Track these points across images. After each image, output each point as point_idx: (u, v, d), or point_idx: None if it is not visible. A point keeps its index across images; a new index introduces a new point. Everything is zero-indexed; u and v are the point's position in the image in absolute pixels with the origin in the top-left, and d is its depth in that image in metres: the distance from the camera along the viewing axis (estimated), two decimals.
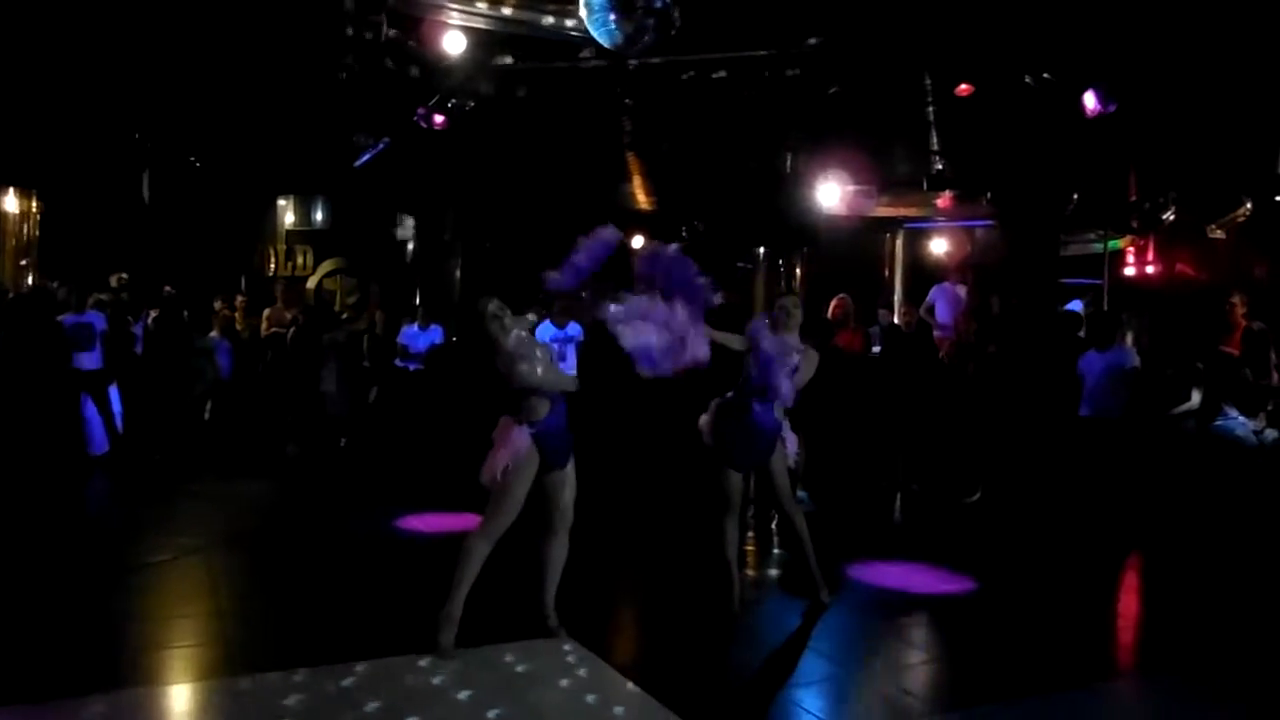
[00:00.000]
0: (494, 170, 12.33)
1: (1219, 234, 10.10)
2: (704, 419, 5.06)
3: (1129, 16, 8.37)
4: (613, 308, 4.30)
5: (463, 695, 3.86)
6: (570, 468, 4.44)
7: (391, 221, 14.52)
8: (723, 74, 9.68)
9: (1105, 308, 9.55)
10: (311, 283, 14.56)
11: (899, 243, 12.83)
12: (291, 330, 10.40)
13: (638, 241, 14.18)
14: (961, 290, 10.20)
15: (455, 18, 8.64)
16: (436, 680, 3.99)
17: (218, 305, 11.10)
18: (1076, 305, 10.37)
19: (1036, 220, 10.30)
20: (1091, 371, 7.32)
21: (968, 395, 8.32)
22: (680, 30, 7.21)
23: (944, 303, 10.18)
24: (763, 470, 5.09)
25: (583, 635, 4.48)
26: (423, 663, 4.14)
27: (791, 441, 5.06)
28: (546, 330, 9.01)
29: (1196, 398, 7.11)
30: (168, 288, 10.97)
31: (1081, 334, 8.53)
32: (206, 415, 10.20)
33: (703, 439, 5.06)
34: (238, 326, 11.16)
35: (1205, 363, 7.31)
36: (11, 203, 12.55)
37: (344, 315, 12.35)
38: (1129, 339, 7.73)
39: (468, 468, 4.56)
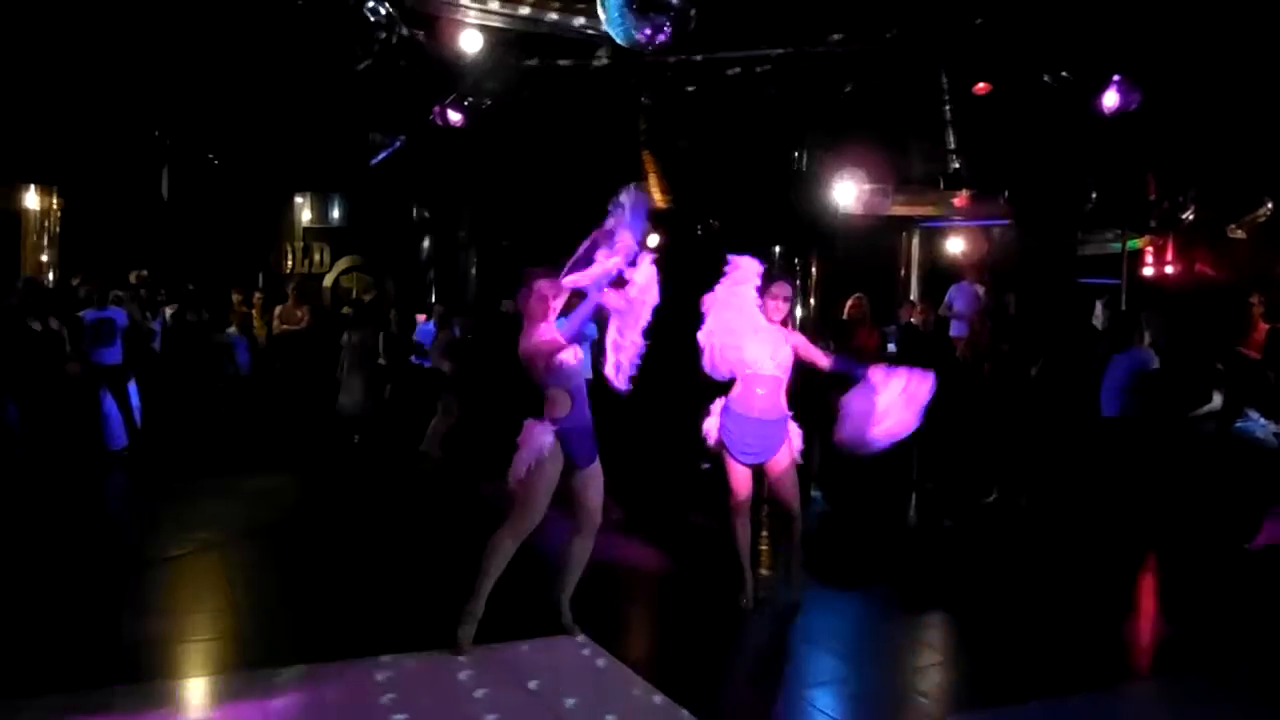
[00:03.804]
0: (510, 168, 12.36)
1: (1239, 234, 10.03)
2: (709, 421, 5.03)
3: (1148, 15, 8.30)
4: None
5: (478, 692, 3.87)
6: (596, 468, 4.42)
7: (408, 219, 14.56)
8: (738, 70, 9.66)
9: (1124, 308, 9.49)
10: (328, 280, 14.64)
11: (915, 242, 12.78)
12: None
13: (653, 240, 14.23)
14: (980, 289, 10.15)
15: (472, 16, 8.65)
16: (450, 676, 4.00)
17: (235, 298, 11.15)
18: (1096, 308, 10.30)
19: (1054, 220, 10.25)
20: (1110, 372, 7.27)
21: (984, 395, 8.28)
22: (696, 29, 7.19)
23: (963, 301, 10.15)
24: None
25: (597, 632, 4.49)
26: (438, 658, 4.16)
27: (796, 437, 5.06)
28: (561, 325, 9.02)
29: (1218, 399, 7.05)
30: (190, 285, 11.06)
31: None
32: (224, 411, 10.27)
33: (709, 438, 5.04)
34: (254, 324, 11.24)
35: (1225, 364, 7.25)
36: (32, 199, 12.66)
37: (343, 311, 12.35)
38: (1146, 339, 7.67)
39: (485, 465, 4.58)
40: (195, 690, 3.96)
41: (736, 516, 5.04)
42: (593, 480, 4.41)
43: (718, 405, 5.03)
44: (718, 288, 4.95)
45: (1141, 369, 7.16)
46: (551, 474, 4.24)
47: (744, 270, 4.94)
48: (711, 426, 5.02)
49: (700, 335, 4.95)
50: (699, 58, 9.40)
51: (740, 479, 5.00)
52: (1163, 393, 7.15)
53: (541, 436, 4.21)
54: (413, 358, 10.52)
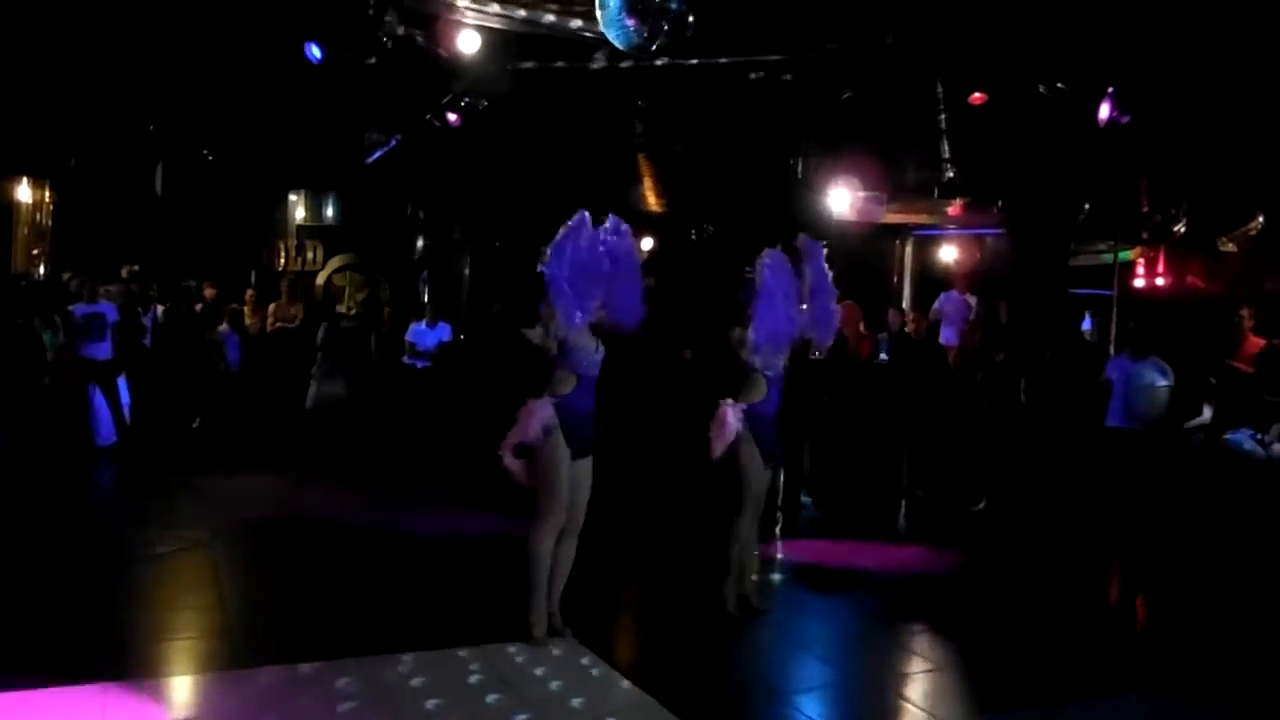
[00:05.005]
0: (505, 170, 12.35)
1: (1230, 247, 10.06)
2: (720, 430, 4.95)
3: (1143, 27, 8.35)
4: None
5: (466, 693, 3.86)
6: (588, 465, 4.42)
7: (402, 218, 14.54)
8: (735, 75, 9.68)
9: (1114, 320, 9.53)
10: (321, 279, 14.59)
11: (908, 249, 12.82)
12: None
13: (647, 244, 14.25)
14: (969, 298, 10.19)
15: (470, 17, 8.65)
16: (440, 677, 3.99)
17: (208, 293, 11.07)
18: (1086, 322, 10.35)
19: (1047, 230, 10.29)
20: (1122, 378, 7.17)
21: (974, 403, 8.30)
22: (694, 33, 7.20)
23: (951, 311, 10.19)
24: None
25: (587, 636, 4.48)
26: (425, 659, 4.14)
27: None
28: None
29: (1208, 412, 7.07)
30: (185, 282, 11.02)
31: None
32: (214, 408, 10.22)
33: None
34: (247, 321, 11.18)
35: (1216, 377, 7.27)
36: (25, 192, 12.62)
37: (352, 311, 12.36)
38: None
39: (473, 465, 4.57)
40: (180, 688, 3.94)
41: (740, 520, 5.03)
42: (583, 477, 4.41)
43: (733, 409, 4.91)
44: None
45: (1150, 382, 7.06)
46: (563, 456, 4.23)
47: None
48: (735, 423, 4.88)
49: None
50: (696, 62, 9.41)
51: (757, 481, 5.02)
52: (1175, 406, 7.05)
53: (541, 409, 4.20)
54: (404, 358, 10.51)
